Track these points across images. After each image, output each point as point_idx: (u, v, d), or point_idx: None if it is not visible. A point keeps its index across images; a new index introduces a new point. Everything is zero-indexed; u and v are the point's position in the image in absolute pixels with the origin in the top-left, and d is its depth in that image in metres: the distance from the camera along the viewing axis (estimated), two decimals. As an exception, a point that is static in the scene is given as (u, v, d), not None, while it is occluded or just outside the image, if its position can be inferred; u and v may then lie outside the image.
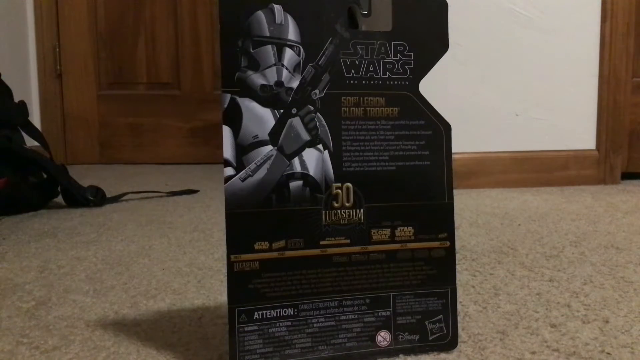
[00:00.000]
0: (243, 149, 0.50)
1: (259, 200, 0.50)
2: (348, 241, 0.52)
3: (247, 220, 0.50)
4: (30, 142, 1.45)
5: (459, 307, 0.66)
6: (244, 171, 0.50)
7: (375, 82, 0.53)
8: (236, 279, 0.50)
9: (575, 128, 1.59)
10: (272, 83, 0.51)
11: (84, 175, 1.79)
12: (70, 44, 2.18)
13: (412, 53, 0.54)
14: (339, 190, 0.52)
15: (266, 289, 0.50)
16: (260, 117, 0.50)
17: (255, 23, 0.50)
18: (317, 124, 0.52)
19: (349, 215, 0.52)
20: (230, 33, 0.50)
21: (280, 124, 0.51)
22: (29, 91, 2.13)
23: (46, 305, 0.69)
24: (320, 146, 0.52)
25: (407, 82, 0.54)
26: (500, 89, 1.56)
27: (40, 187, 1.31)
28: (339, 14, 0.52)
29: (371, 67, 0.53)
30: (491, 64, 1.56)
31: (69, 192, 1.32)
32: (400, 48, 0.53)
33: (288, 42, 0.51)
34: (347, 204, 0.52)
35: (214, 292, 0.73)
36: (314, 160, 0.51)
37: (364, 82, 0.53)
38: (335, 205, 0.52)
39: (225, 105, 0.50)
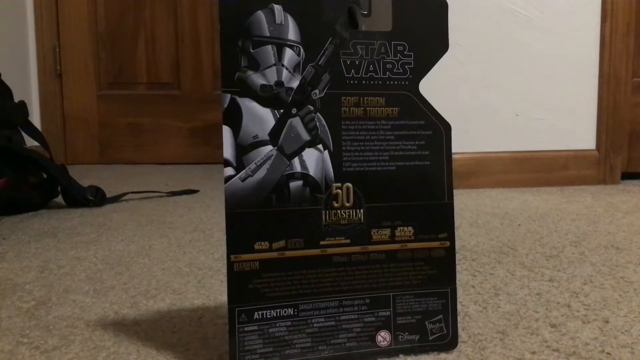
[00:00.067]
0: (243, 149, 0.50)
1: (259, 200, 0.50)
2: (348, 241, 0.52)
3: (247, 220, 0.50)
4: (30, 142, 1.45)
5: (459, 307, 0.66)
6: (244, 171, 0.50)
7: (375, 82, 0.53)
8: (236, 279, 0.50)
9: (575, 128, 1.59)
10: (272, 83, 0.51)
11: (84, 175, 1.79)
12: (70, 44, 2.18)
13: (412, 53, 0.54)
14: (339, 190, 0.52)
15: (266, 289, 0.50)
16: (260, 117, 0.50)
17: (255, 23, 0.50)
18: (317, 124, 0.52)
19: (349, 215, 0.52)
20: (230, 33, 0.50)
21: (280, 124, 0.51)
22: (29, 91, 2.13)
23: (46, 305, 0.69)
24: (320, 146, 0.52)
25: (407, 82, 0.54)
26: (500, 89, 1.57)
27: (40, 187, 1.31)
28: (339, 14, 0.52)
29: (371, 67, 0.53)
30: (491, 64, 1.56)
31: (69, 192, 1.32)
32: (400, 48, 0.53)
33: (288, 42, 0.51)
34: (347, 204, 0.52)
35: (214, 292, 0.73)
36: (314, 160, 0.51)
37: (364, 82, 0.53)
38: (335, 205, 0.52)
39: (225, 105, 0.50)
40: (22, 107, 1.40)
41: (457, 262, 0.61)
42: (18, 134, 1.36)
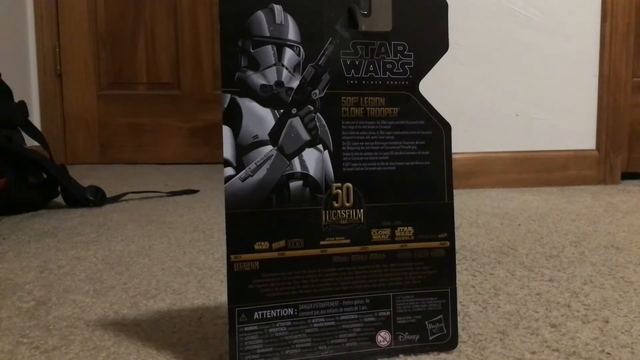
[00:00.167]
0: (243, 149, 0.50)
1: (259, 200, 0.50)
2: (348, 241, 0.52)
3: (247, 220, 0.50)
4: (30, 142, 1.45)
5: (459, 307, 0.66)
6: (244, 171, 0.50)
7: (375, 82, 0.53)
8: (236, 279, 0.50)
9: (575, 128, 1.59)
10: (272, 83, 0.51)
11: (84, 175, 1.79)
12: (70, 44, 2.18)
13: (412, 53, 0.54)
14: (339, 190, 0.52)
15: (266, 289, 0.50)
16: (260, 117, 0.50)
17: (255, 23, 0.50)
18: (317, 124, 0.52)
19: (349, 215, 0.52)
20: (230, 33, 0.50)
21: (280, 124, 0.51)
22: (29, 91, 2.13)
23: (46, 305, 0.69)
24: (320, 146, 0.52)
25: (407, 82, 0.54)
26: (500, 89, 1.56)
27: (40, 187, 1.31)
28: (339, 14, 0.52)
29: (371, 67, 0.53)
30: (491, 64, 1.56)
31: (69, 192, 1.32)
32: (400, 48, 0.53)
33: (288, 42, 0.51)
34: (347, 204, 0.52)
35: (214, 292, 0.73)
36: (314, 160, 0.51)
37: (364, 82, 0.53)
38: (335, 205, 0.52)
39: (225, 105, 0.50)
40: (22, 107, 1.40)
41: (457, 262, 0.61)
42: (18, 134, 1.36)
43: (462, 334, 0.58)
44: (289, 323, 0.51)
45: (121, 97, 2.22)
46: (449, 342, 0.55)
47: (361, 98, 0.53)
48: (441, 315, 0.55)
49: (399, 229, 0.53)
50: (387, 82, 0.53)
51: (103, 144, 2.23)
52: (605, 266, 0.83)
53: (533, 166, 1.57)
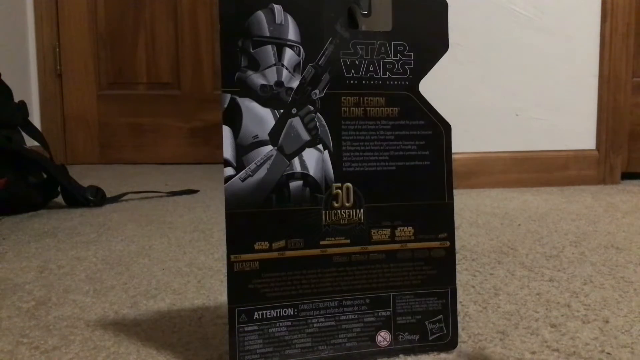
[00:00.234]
0: (243, 149, 0.50)
1: (259, 200, 0.50)
2: (348, 241, 0.52)
3: (247, 220, 0.50)
4: (30, 142, 1.45)
5: (459, 307, 0.66)
6: (244, 171, 0.50)
7: (375, 82, 0.53)
8: (236, 279, 0.50)
9: (575, 128, 1.59)
10: (272, 83, 0.51)
11: (84, 175, 1.79)
12: (70, 44, 2.18)
13: (412, 53, 0.54)
14: (339, 190, 0.52)
15: (266, 289, 0.50)
16: (260, 117, 0.50)
17: (255, 23, 0.50)
18: (317, 124, 0.52)
19: (349, 215, 0.52)
20: (230, 33, 0.50)
21: (280, 124, 0.51)
22: (29, 91, 2.13)
23: (46, 305, 0.69)
24: (320, 146, 0.52)
25: (407, 82, 0.54)
26: (500, 89, 1.56)
27: (40, 187, 1.31)
28: (339, 14, 0.52)
29: (371, 67, 0.53)
30: (491, 64, 1.56)
31: (69, 192, 1.32)
32: (400, 48, 0.53)
33: (288, 42, 0.51)
34: (347, 204, 0.52)
35: (214, 292, 0.73)
36: (314, 160, 0.51)
37: (364, 82, 0.53)
38: (335, 205, 0.52)
39: (225, 105, 0.50)
40: (22, 107, 1.40)
41: (457, 262, 0.61)
42: (18, 134, 1.36)
43: (462, 334, 0.58)
44: (289, 323, 0.51)
45: (121, 97, 2.22)
46: (449, 342, 0.55)
47: (361, 98, 0.53)
48: (441, 315, 0.55)
49: (399, 229, 0.53)
50: (387, 82, 0.53)
51: (103, 144, 2.23)
52: (605, 266, 0.83)
53: (533, 166, 1.57)
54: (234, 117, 0.50)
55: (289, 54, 0.51)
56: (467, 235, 1.02)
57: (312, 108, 0.51)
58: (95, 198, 1.32)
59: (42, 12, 2.13)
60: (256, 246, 0.50)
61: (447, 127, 0.55)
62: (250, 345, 0.50)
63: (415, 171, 0.54)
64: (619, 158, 1.60)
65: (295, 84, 0.51)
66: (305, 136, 0.51)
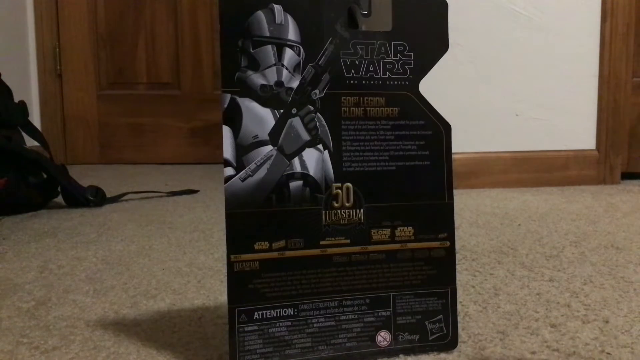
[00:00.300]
0: (243, 149, 0.50)
1: (259, 200, 0.50)
2: (348, 241, 0.52)
3: (247, 220, 0.50)
4: (30, 142, 1.45)
5: (459, 307, 0.66)
6: (244, 171, 0.50)
7: (375, 82, 0.53)
8: (236, 279, 0.50)
9: (575, 128, 1.59)
10: (272, 83, 0.51)
11: (84, 175, 1.79)
12: (70, 44, 2.18)
13: (412, 53, 0.54)
14: (339, 190, 0.52)
15: (266, 289, 0.50)
16: (260, 117, 0.50)
17: (255, 23, 0.50)
18: (317, 124, 0.52)
19: (349, 215, 0.52)
20: (230, 33, 0.50)
21: (280, 124, 0.51)
22: (29, 91, 2.13)
23: (46, 305, 0.69)
24: (320, 146, 0.52)
25: (407, 82, 0.54)
26: (500, 89, 1.56)
27: (40, 187, 1.31)
28: (339, 14, 0.52)
29: (371, 67, 0.53)
30: (491, 64, 1.56)
31: (69, 192, 1.32)
32: (400, 48, 0.53)
33: (288, 42, 0.51)
34: (347, 204, 0.52)
35: (214, 292, 0.73)
36: (314, 160, 0.51)
37: (364, 82, 0.53)
38: (335, 205, 0.52)
39: (225, 105, 0.50)
40: (22, 107, 1.40)
41: (457, 262, 0.61)
42: (18, 134, 1.36)
43: (462, 334, 0.58)
44: (289, 323, 0.51)
45: (121, 97, 2.22)
46: (449, 342, 0.55)
47: (361, 98, 0.53)
48: (441, 315, 0.55)
49: (399, 229, 0.53)
50: (387, 82, 0.53)
51: (103, 144, 2.23)
52: (605, 266, 0.83)
53: (533, 166, 1.57)
54: (234, 117, 0.50)
55: (289, 54, 0.51)
56: (467, 235, 1.02)
57: (312, 108, 0.51)
58: (95, 198, 1.32)
59: (42, 12, 2.13)
60: (256, 246, 0.50)
61: (447, 127, 0.55)
62: (250, 345, 0.50)
63: (415, 171, 0.54)
64: (619, 158, 1.60)
65: (295, 84, 0.51)
66: (305, 136, 0.51)
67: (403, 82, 0.53)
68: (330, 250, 0.52)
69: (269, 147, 0.51)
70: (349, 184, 0.52)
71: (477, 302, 0.68)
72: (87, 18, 2.18)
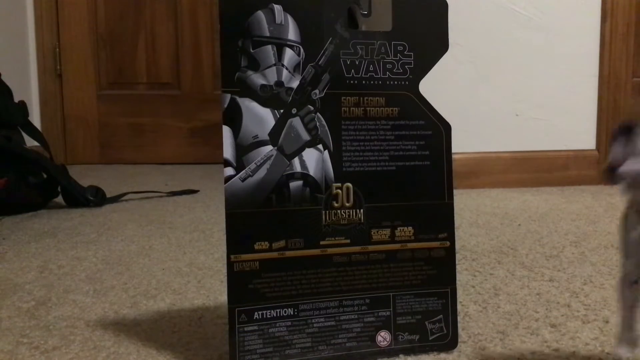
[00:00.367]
0: (243, 149, 0.50)
1: (259, 200, 0.50)
2: (348, 241, 0.52)
3: (247, 220, 0.50)
4: (30, 142, 1.45)
5: (459, 307, 0.66)
6: (244, 171, 0.50)
7: (375, 82, 0.53)
8: (236, 279, 0.50)
9: (575, 128, 1.59)
10: (272, 83, 0.51)
11: (84, 175, 1.79)
12: (70, 44, 2.18)
13: (412, 53, 0.54)
14: (339, 190, 0.52)
15: (266, 289, 0.50)
16: (260, 117, 0.50)
17: (255, 23, 0.50)
18: (317, 124, 0.52)
19: (349, 215, 0.52)
20: (230, 33, 0.50)
21: (280, 124, 0.51)
22: (29, 91, 2.12)
23: (46, 305, 0.69)
24: (320, 146, 0.52)
25: (407, 82, 0.54)
26: (500, 89, 1.56)
27: (40, 187, 1.31)
28: (339, 14, 0.52)
29: (371, 67, 0.53)
30: (491, 64, 1.56)
31: (69, 192, 1.31)
32: (400, 48, 0.53)
33: (288, 42, 0.51)
34: (347, 204, 0.52)
35: (214, 292, 0.73)
36: (314, 160, 0.51)
37: (364, 82, 0.53)
38: (335, 205, 0.52)
39: (225, 105, 0.50)
40: (22, 107, 1.40)
41: (457, 262, 0.61)
42: (18, 134, 1.36)
43: (462, 334, 0.58)
44: (289, 323, 0.51)
45: (121, 97, 2.22)
46: (449, 342, 0.55)
47: (361, 98, 0.53)
48: (441, 315, 0.55)
49: (399, 229, 0.53)
50: (387, 82, 0.53)
51: (103, 144, 2.23)
52: (605, 266, 0.83)
53: (533, 166, 1.57)
54: (234, 117, 0.50)
55: (289, 54, 0.51)
56: (467, 235, 1.02)
57: (312, 108, 0.51)
58: (95, 198, 1.32)
59: (42, 13, 2.13)
60: (256, 246, 0.50)
61: (447, 127, 0.55)
62: (250, 345, 0.50)
63: (415, 171, 0.54)
64: (619, 158, 1.60)
65: (295, 84, 0.51)
66: (305, 136, 0.51)
67: (403, 82, 0.53)
68: (330, 250, 0.52)
69: (269, 147, 0.51)
70: (349, 184, 0.52)
71: (477, 302, 0.68)
72: (87, 18, 2.18)
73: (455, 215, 0.55)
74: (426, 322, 0.54)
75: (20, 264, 0.86)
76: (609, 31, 1.56)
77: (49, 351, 0.56)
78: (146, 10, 2.20)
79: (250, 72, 0.50)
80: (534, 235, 1.02)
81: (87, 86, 2.21)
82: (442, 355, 0.54)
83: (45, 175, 1.33)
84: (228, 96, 0.50)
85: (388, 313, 0.53)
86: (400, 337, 0.54)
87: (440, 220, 0.55)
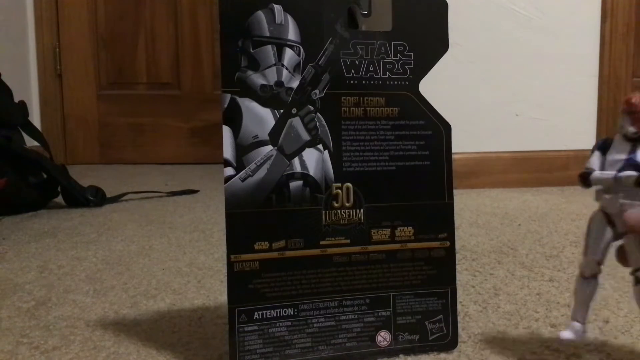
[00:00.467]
0: (243, 149, 0.50)
1: (259, 200, 0.50)
2: (348, 241, 0.52)
3: (247, 220, 0.50)
4: (30, 142, 1.45)
5: (459, 307, 0.66)
6: (244, 171, 0.50)
7: (375, 82, 0.53)
8: (236, 279, 0.50)
9: (575, 128, 1.59)
10: (272, 83, 0.51)
11: (84, 175, 1.79)
12: (70, 44, 2.18)
13: (412, 53, 0.54)
14: (339, 190, 0.52)
15: (266, 289, 0.50)
16: (260, 117, 0.50)
17: (255, 23, 0.50)
18: (317, 124, 0.52)
19: (349, 215, 0.52)
20: (230, 33, 0.50)
21: (280, 124, 0.51)
22: (29, 91, 2.12)
23: (46, 305, 0.69)
24: (320, 146, 0.52)
25: (407, 82, 0.54)
26: (500, 89, 1.56)
27: (40, 187, 1.31)
28: (339, 14, 0.52)
29: (371, 67, 0.53)
30: (491, 64, 1.56)
31: (69, 192, 1.32)
32: (400, 48, 0.53)
33: (288, 42, 0.51)
34: (347, 204, 0.52)
35: (214, 292, 0.73)
36: (314, 160, 0.51)
37: (364, 82, 0.53)
38: (335, 205, 0.52)
39: (225, 105, 0.50)
40: (22, 107, 1.40)
41: (457, 262, 0.61)
42: (18, 134, 1.36)
43: (462, 334, 0.58)
44: (289, 323, 0.51)
45: (121, 97, 2.22)
46: (449, 342, 0.55)
47: (361, 98, 0.53)
48: (441, 315, 0.55)
49: (399, 229, 0.53)
50: (387, 82, 0.53)
51: (103, 144, 2.23)
52: (605, 266, 0.82)
53: (533, 166, 1.57)
54: (234, 117, 0.50)
55: (289, 54, 0.51)
56: (467, 235, 1.02)
57: (312, 108, 0.51)
58: (95, 198, 1.32)
59: (42, 13, 2.13)
60: (256, 246, 0.50)
61: (447, 127, 0.55)
62: (250, 345, 0.50)
63: (415, 171, 0.54)
64: (619, 158, 1.60)
65: (295, 84, 0.51)
66: (305, 136, 0.51)
67: (403, 82, 0.53)
68: (330, 250, 0.52)
69: (269, 147, 0.51)
70: (349, 184, 0.52)
71: (477, 302, 0.68)
72: (87, 18, 2.18)
73: (455, 215, 0.55)
74: (426, 322, 0.54)
75: (20, 264, 0.86)
76: (609, 31, 1.57)
77: (49, 351, 0.56)
78: (146, 10, 2.20)
79: (250, 72, 0.50)
80: (534, 235, 1.02)
81: (87, 86, 2.21)
82: (442, 355, 0.54)
83: (45, 175, 1.33)
84: (228, 96, 0.50)
85: (388, 313, 0.53)
86: (400, 337, 0.54)
87: (440, 220, 0.55)
